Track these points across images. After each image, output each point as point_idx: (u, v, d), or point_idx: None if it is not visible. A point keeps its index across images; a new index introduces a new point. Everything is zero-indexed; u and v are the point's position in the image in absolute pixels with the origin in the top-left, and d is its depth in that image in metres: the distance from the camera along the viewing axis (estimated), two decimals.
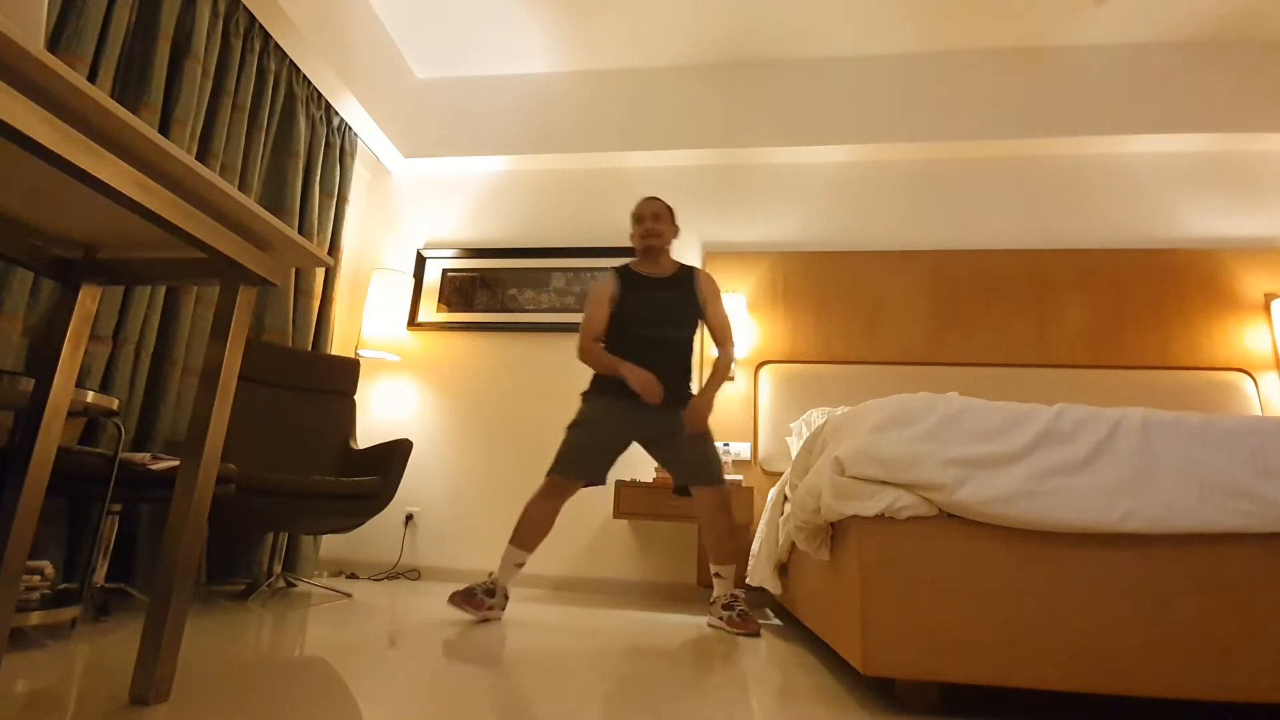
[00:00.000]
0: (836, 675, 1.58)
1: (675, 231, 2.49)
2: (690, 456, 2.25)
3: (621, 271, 2.44)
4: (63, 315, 1.24)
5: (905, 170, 3.58)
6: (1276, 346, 3.07)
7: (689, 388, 2.37)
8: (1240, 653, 1.18)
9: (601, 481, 2.30)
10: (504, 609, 2.22)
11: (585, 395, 2.35)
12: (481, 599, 2.12)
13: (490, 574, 2.25)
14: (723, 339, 2.42)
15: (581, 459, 2.24)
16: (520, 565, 2.23)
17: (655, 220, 2.41)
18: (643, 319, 2.33)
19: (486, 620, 2.11)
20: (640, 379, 2.20)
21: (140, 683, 1.06)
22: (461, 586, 2.12)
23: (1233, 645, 1.18)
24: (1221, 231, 3.29)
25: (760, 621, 2.12)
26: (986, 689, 1.44)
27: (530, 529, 2.22)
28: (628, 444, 2.31)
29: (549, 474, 2.24)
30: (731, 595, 2.25)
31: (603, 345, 2.35)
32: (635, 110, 3.74)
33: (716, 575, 2.28)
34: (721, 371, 2.36)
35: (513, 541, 2.21)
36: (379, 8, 3.50)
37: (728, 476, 2.87)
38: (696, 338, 2.46)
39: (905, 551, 1.29)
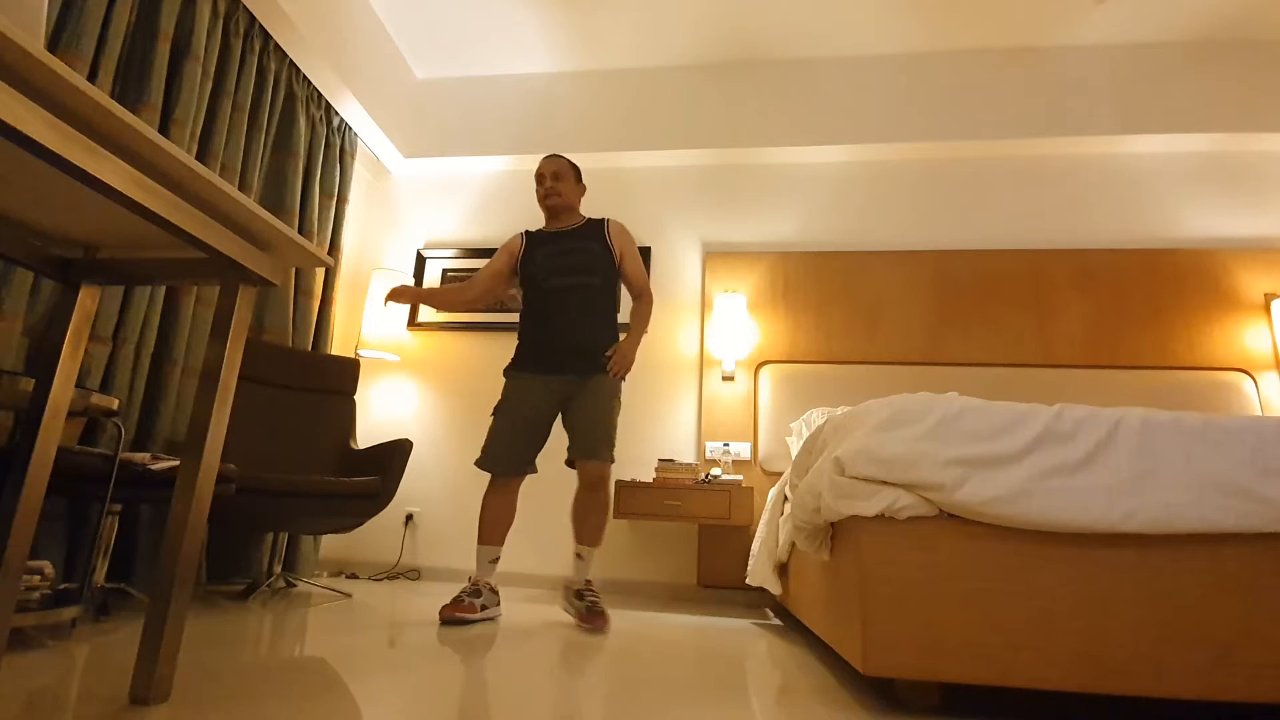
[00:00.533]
0: (836, 675, 1.58)
1: (580, 190, 2.45)
2: (582, 425, 2.19)
3: (529, 232, 2.44)
4: (63, 315, 1.24)
5: (905, 170, 3.58)
6: (1276, 346, 3.07)
7: (610, 341, 2.28)
8: (1240, 653, 1.18)
9: (529, 470, 2.24)
10: (498, 604, 2.20)
11: (505, 373, 2.32)
12: (470, 603, 2.06)
13: (469, 577, 2.20)
14: (639, 290, 2.39)
15: (504, 448, 2.20)
16: (494, 560, 2.21)
17: (555, 179, 2.38)
18: (549, 268, 2.29)
19: (486, 619, 2.11)
20: (400, 289, 2.27)
21: (140, 683, 1.06)
22: (447, 600, 2.10)
23: (1233, 645, 1.18)
24: (1221, 231, 3.29)
25: (607, 618, 2.05)
26: (986, 689, 1.44)
27: (490, 524, 2.20)
28: (551, 417, 2.25)
29: (480, 465, 2.22)
30: (586, 582, 2.19)
31: (513, 298, 2.37)
32: (636, 110, 3.74)
33: (578, 556, 2.23)
34: (639, 320, 2.34)
35: (480, 541, 2.19)
36: (379, 8, 3.50)
37: (728, 477, 2.88)
38: (618, 292, 2.41)
39: (905, 551, 1.29)
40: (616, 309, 2.37)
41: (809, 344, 3.32)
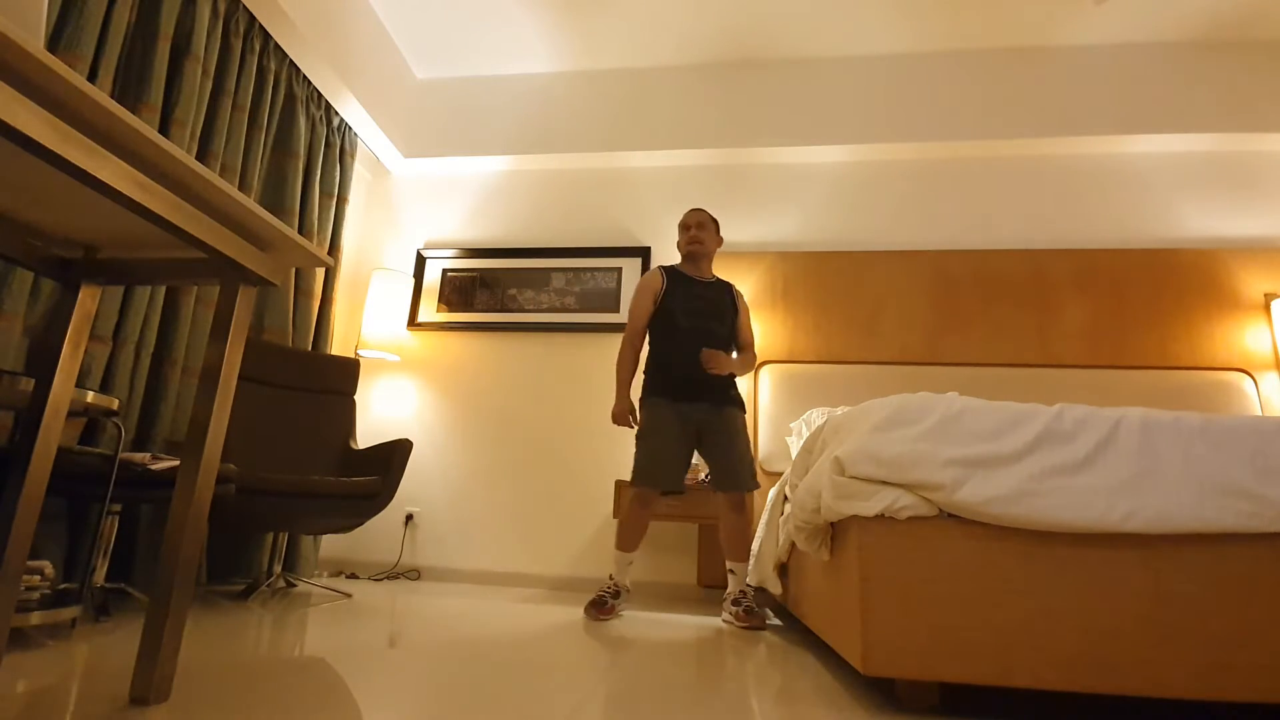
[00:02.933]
0: (836, 675, 1.58)
1: (719, 242, 2.67)
2: (722, 457, 2.40)
3: (668, 269, 2.61)
4: (63, 315, 1.24)
5: (905, 170, 3.58)
6: (1276, 346, 3.07)
7: (730, 388, 2.50)
8: (1240, 653, 1.18)
9: (680, 489, 2.45)
10: (629, 598, 2.58)
11: (642, 402, 2.49)
12: (613, 605, 2.35)
13: (610, 576, 2.45)
14: (750, 346, 2.67)
15: (654, 467, 2.37)
16: (631, 564, 2.49)
17: (700, 229, 2.60)
18: (687, 310, 2.50)
19: (617, 617, 2.37)
20: (618, 410, 2.47)
21: (140, 683, 1.06)
22: (591, 597, 2.46)
23: (1233, 645, 1.18)
24: (1221, 231, 3.29)
25: (766, 619, 2.30)
26: (986, 689, 1.44)
27: (629, 534, 2.42)
28: (694, 441, 2.43)
29: (631, 484, 2.40)
30: (741, 591, 2.39)
31: (645, 339, 2.58)
32: (635, 110, 3.74)
33: (730, 571, 2.42)
34: (746, 361, 2.61)
35: (618, 547, 2.43)
36: (379, 8, 3.50)
37: None
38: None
39: (905, 551, 1.29)
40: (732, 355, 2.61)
41: (809, 344, 3.32)
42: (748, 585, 2.43)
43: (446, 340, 3.61)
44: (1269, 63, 3.35)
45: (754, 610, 2.32)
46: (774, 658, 1.78)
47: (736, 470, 2.39)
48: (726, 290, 2.64)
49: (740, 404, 2.51)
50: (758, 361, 3.32)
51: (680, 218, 3.63)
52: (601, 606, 2.32)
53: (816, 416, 2.81)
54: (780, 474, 3.05)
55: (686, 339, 2.46)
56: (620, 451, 3.30)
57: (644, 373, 2.54)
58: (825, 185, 3.61)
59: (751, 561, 2.58)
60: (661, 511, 2.80)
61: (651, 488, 2.38)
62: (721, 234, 2.69)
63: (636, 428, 2.47)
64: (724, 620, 2.38)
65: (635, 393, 2.55)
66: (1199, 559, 1.23)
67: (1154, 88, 3.39)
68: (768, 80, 3.69)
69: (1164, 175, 3.40)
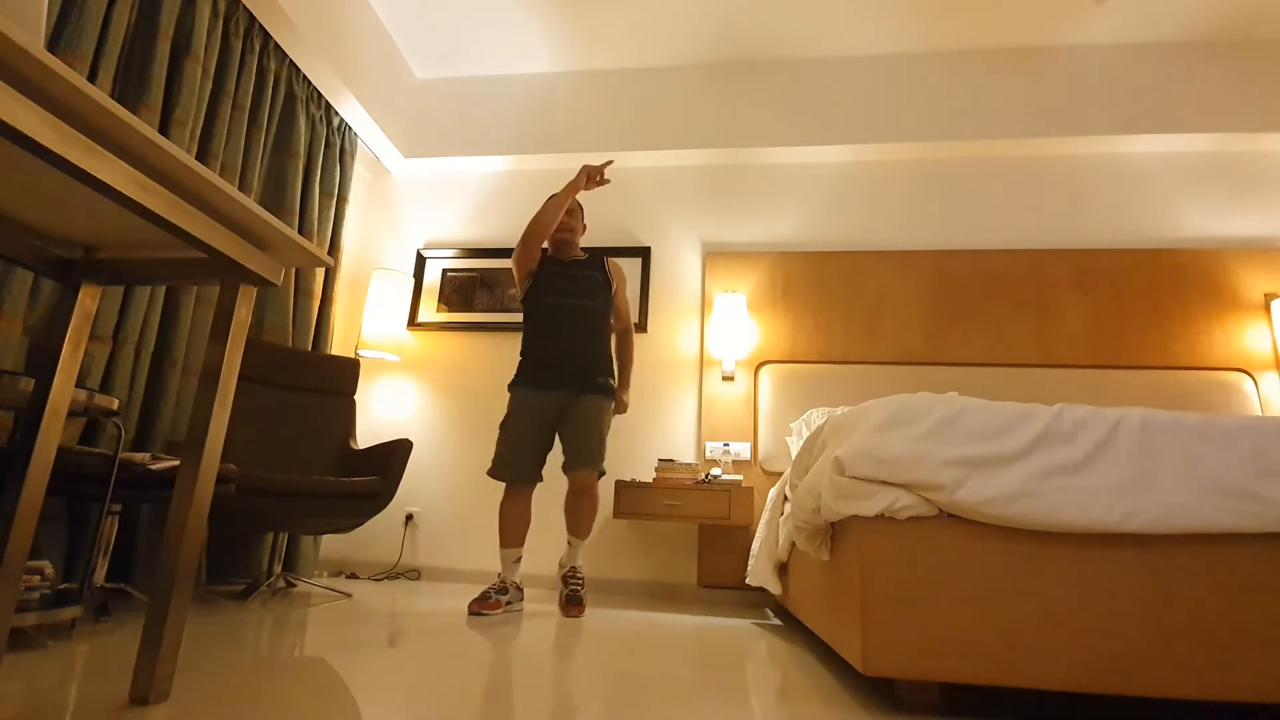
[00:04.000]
0: (836, 675, 1.58)
1: (584, 228, 2.73)
2: (574, 440, 2.41)
3: (543, 253, 2.64)
4: (63, 315, 1.24)
5: (905, 170, 3.58)
6: (1276, 346, 3.07)
7: (603, 362, 2.51)
8: (1240, 653, 1.18)
9: (537, 478, 2.43)
10: (522, 599, 2.44)
11: (510, 387, 2.49)
12: (496, 600, 2.29)
13: (498, 574, 2.40)
14: (625, 326, 2.69)
15: (511, 459, 2.39)
16: (517, 560, 2.42)
17: (569, 215, 2.62)
18: (555, 289, 2.51)
19: (509, 612, 2.32)
20: (572, 184, 2.48)
21: (140, 683, 1.06)
22: (474, 595, 2.40)
23: (1233, 645, 1.18)
24: (1221, 231, 3.29)
25: (581, 608, 2.36)
26: (986, 689, 1.44)
27: (510, 530, 2.40)
28: (553, 430, 2.45)
29: (492, 475, 2.41)
30: (573, 568, 2.45)
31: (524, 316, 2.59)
32: (635, 110, 3.74)
33: (569, 542, 2.47)
34: (627, 357, 2.68)
35: (502, 545, 2.40)
36: (379, 8, 3.50)
37: (728, 476, 2.88)
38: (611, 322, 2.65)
39: (905, 551, 1.29)
40: (609, 335, 2.60)
41: (809, 344, 3.32)
42: (579, 566, 2.46)
43: (446, 340, 3.61)
44: (1269, 63, 3.35)
45: (576, 597, 2.37)
46: (774, 658, 1.78)
47: (581, 451, 2.39)
48: (599, 264, 2.62)
49: (605, 391, 2.48)
50: (759, 362, 3.32)
51: (674, 212, 3.65)
52: (485, 601, 2.27)
53: (816, 416, 2.81)
54: (780, 474, 3.05)
55: (553, 319, 2.47)
56: (620, 451, 3.31)
57: (520, 356, 2.53)
58: (825, 185, 3.61)
59: (751, 562, 2.59)
60: (661, 511, 2.80)
61: (505, 480, 2.39)
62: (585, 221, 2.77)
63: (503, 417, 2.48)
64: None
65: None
66: (1199, 559, 1.23)
67: (1154, 88, 3.39)
68: (768, 80, 3.69)
69: (1164, 175, 3.40)
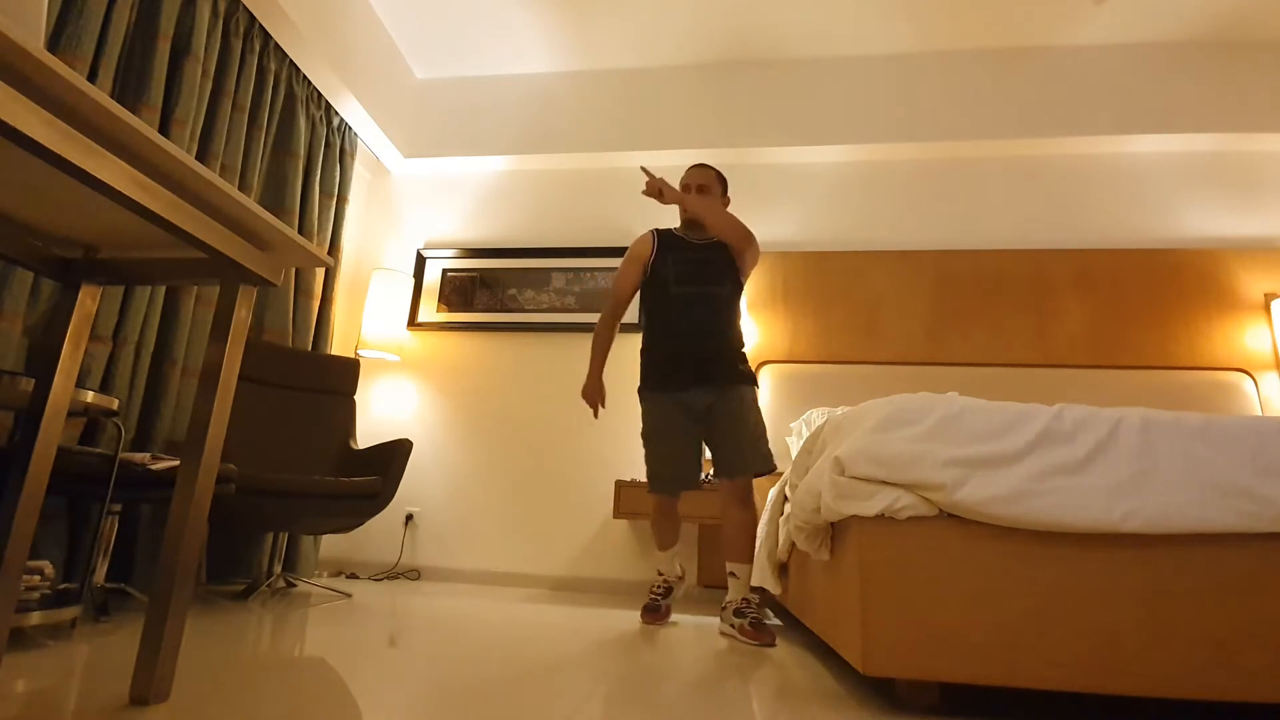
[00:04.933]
0: (836, 675, 1.58)
1: (726, 203, 2.40)
2: (727, 441, 2.13)
3: (660, 232, 2.37)
4: (63, 315, 1.24)
5: (905, 170, 3.58)
6: (1276, 346, 3.07)
7: (736, 352, 2.22)
8: (1240, 653, 1.18)
9: (696, 485, 2.29)
10: (683, 584, 2.46)
11: (639, 393, 2.30)
12: (667, 606, 2.33)
13: (659, 572, 2.40)
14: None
15: (665, 470, 2.22)
16: (675, 554, 2.41)
17: (702, 191, 2.34)
18: (678, 276, 2.24)
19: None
20: (589, 388, 2.31)
21: (140, 683, 1.06)
22: (645, 602, 2.38)
23: (1233, 645, 1.18)
24: (1221, 231, 3.29)
25: (773, 633, 1.99)
26: (986, 689, 1.44)
27: (662, 537, 2.35)
28: (701, 430, 2.21)
29: (649, 491, 2.27)
30: (744, 600, 2.08)
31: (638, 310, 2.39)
32: (635, 110, 3.74)
33: (731, 574, 2.12)
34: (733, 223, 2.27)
35: (661, 548, 2.38)
36: (379, 8, 3.50)
37: None
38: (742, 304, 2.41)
39: (905, 551, 1.29)
40: (739, 319, 2.32)
41: (809, 344, 3.32)
42: (752, 593, 2.13)
43: (446, 340, 3.61)
44: (1269, 63, 3.35)
45: (762, 624, 2.00)
46: (774, 658, 1.78)
47: (740, 453, 2.10)
48: (725, 247, 2.31)
49: (750, 379, 2.20)
50: (759, 362, 3.32)
51: (673, 212, 3.62)
52: (655, 612, 2.27)
53: (816, 416, 2.80)
54: (780, 474, 3.05)
55: (680, 308, 2.21)
56: (620, 451, 3.31)
57: (640, 354, 2.31)
58: (825, 185, 3.61)
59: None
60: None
61: (668, 494, 2.24)
62: (729, 194, 2.45)
63: (641, 426, 2.28)
64: (722, 633, 2.10)
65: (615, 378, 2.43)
66: (1199, 559, 1.23)
67: (1154, 88, 3.38)
68: (768, 80, 3.69)
69: (1164, 175, 3.40)
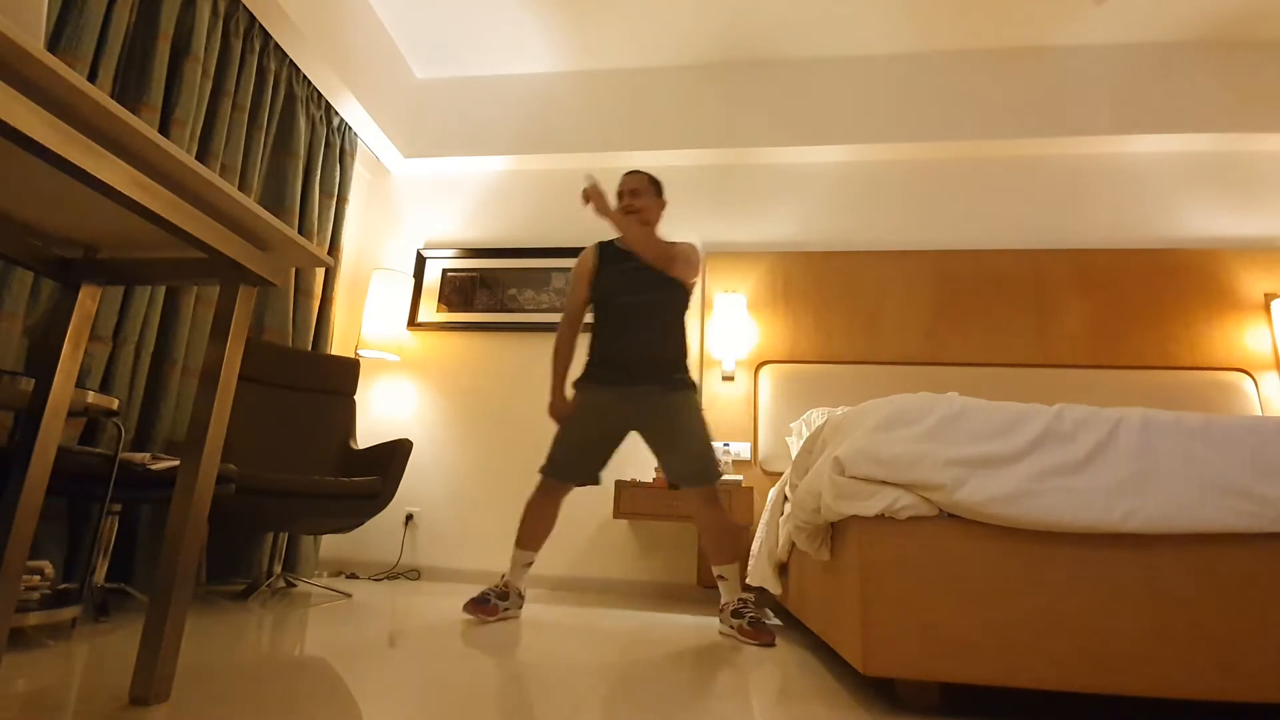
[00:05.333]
0: (836, 675, 1.58)
1: (660, 205, 2.39)
2: (677, 451, 2.14)
3: (603, 245, 2.39)
4: (63, 315, 1.24)
5: (905, 170, 3.58)
6: (1276, 346, 3.07)
7: (675, 360, 2.24)
8: (1240, 653, 1.18)
9: (595, 481, 2.24)
10: (520, 607, 2.25)
11: (576, 383, 2.30)
12: (495, 604, 2.13)
13: (502, 576, 2.25)
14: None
15: (570, 457, 2.20)
16: (529, 565, 2.25)
17: (633, 196, 2.33)
18: (620, 287, 2.27)
19: (503, 620, 2.14)
20: (552, 404, 2.28)
21: (140, 683, 1.06)
22: (474, 593, 2.17)
23: (1233, 645, 1.18)
24: (1221, 231, 3.29)
25: (772, 633, 1.99)
26: (986, 689, 1.44)
27: (531, 529, 2.22)
28: (620, 435, 2.23)
29: (541, 472, 2.22)
30: (740, 600, 2.11)
31: (584, 324, 2.34)
32: (635, 110, 3.74)
33: (720, 578, 2.14)
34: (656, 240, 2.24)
35: (517, 544, 2.22)
36: (379, 8, 3.50)
37: (727, 477, 2.88)
38: (690, 317, 2.37)
39: (905, 551, 1.29)
40: (683, 329, 2.32)
41: (809, 344, 3.32)
42: (747, 592, 2.09)
43: (446, 340, 3.61)
44: (1269, 63, 3.35)
45: (761, 623, 2.01)
46: (774, 658, 1.78)
47: (696, 462, 2.11)
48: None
49: (690, 385, 2.22)
50: (759, 362, 3.32)
51: (673, 212, 3.64)
52: (483, 605, 2.10)
53: (816, 416, 2.80)
54: (780, 474, 3.05)
55: (624, 318, 2.24)
56: (619, 452, 3.30)
57: (587, 357, 2.32)
58: (825, 185, 3.61)
59: (751, 562, 2.58)
60: (661, 511, 2.80)
61: (560, 480, 2.19)
62: (664, 195, 2.44)
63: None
64: (722, 634, 2.11)
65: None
66: (1199, 559, 1.23)
67: (1154, 88, 3.39)
68: (768, 80, 3.69)
69: (1164, 175, 3.40)
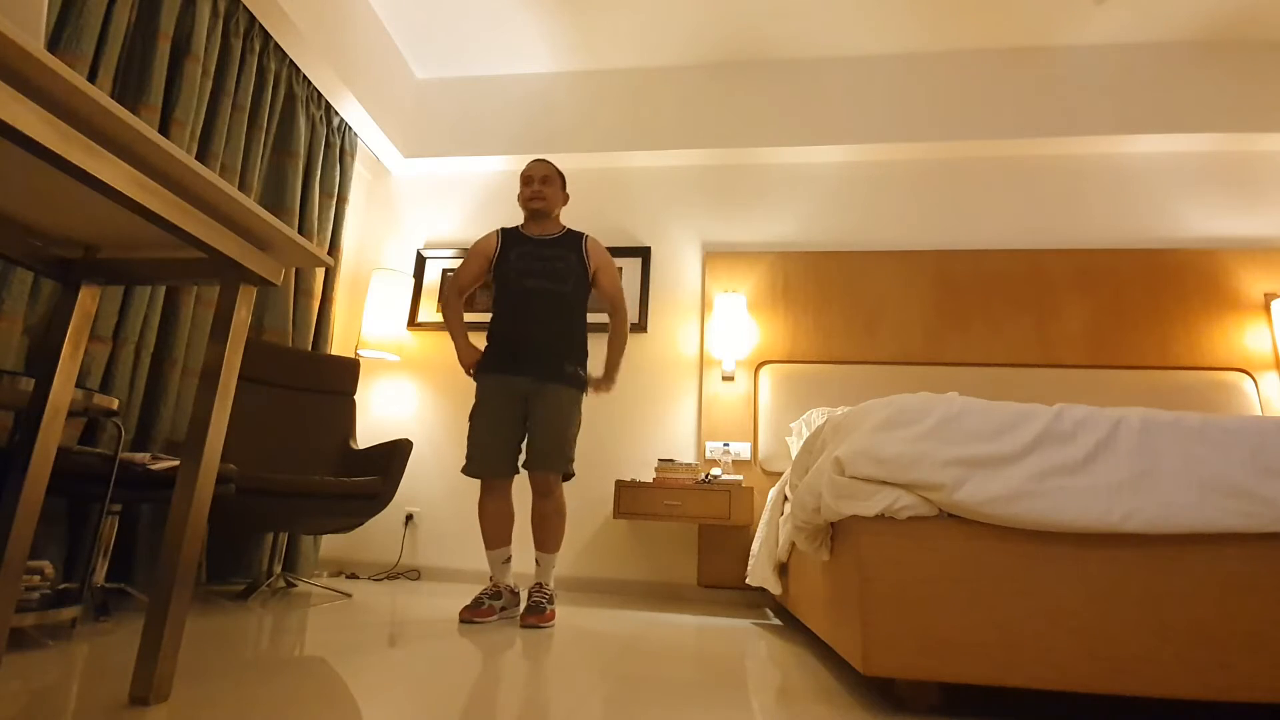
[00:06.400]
0: (836, 675, 1.58)
1: (564, 198, 2.47)
2: (538, 433, 2.20)
3: (506, 230, 2.44)
4: (63, 315, 1.24)
5: (905, 170, 3.58)
6: (1276, 346, 3.07)
7: (573, 350, 2.30)
8: (1240, 653, 1.18)
9: (514, 471, 2.24)
10: (517, 603, 2.28)
11: (474, 374, 2.33)
12: (490, 606, 2.14)
13: (490, 578, 2.27)
14: (614, 306, 2.45)
15: (477, 451, 2.22)
16: (507, 560, 2.27)
17: (543, 184, 2.38)
18: (520, 270, 2.30)
19: (503, 618, 2.17)
20: (461, 354, 2.33)
21: (140, 683, 1.06)
22: (467, 601, 2.21)
23: (1233, 645, 1.18)
24: (1221, 231, 3.29)
25: (547, 615, 2.09)
26: (986, 689, 1.44)
27: (491, 529, 2.24)
28: (521, 415, 2.25)
29: (462, 472, 2.24)
30: (537, 585, 2.20)
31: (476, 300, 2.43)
32: (635, 110, 3.74)
33: (536, 560, 2.25)
34: (617, 341, 2.44)
35: (487, 546, 2.25)
36: (379, 8, 3.50)
37: (728, 477, 2.88)
38: (590, 305, 2.44)
39: (905, 551, 1.29)
40: (584, 322, 2.40)
41: (809, 344, 3.32)
42: (546, 584, 2.20)
43: (446, 340, 3.60)
44: (1269, 63, 3.35)
45: (539, 608, 2.08)
46: (774, 657, 1.78)
47: (542, 448, 2.17)
48: (575, 245, 2.38)
49: (573, 381, 2.26)
50: (759, 362, 3.32)
51: (674, 212, 3.64)
52: (477, 608, 2.10)
53: (816, 416, 2.81)
54: (780, 474, 3.05)
55: (520, 302, 2.27)
56: (620, 452, 3.31)
57: (486, 340, 2.35)
58: (825, 185, 3.61)
59: (751, 562, 2.58)
60: (661, 511, 2.80)
61: (478, 475, 2.21)
62: (568, 191, 2.52)
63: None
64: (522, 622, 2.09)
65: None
66: (1199, 559, 1.23)
67: (1154, 88, 3.39)
68: (768, 80, 3.69)
69: (1164, 175, 3.40)
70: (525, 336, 2.25)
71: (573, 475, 2.26)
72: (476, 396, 2.28)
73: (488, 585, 2.24)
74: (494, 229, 2.44)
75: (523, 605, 2.18)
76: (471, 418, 2.27)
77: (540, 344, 2.25)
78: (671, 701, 1.27)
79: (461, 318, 2.41)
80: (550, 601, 2.17)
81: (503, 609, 2.19)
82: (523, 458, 2.25)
